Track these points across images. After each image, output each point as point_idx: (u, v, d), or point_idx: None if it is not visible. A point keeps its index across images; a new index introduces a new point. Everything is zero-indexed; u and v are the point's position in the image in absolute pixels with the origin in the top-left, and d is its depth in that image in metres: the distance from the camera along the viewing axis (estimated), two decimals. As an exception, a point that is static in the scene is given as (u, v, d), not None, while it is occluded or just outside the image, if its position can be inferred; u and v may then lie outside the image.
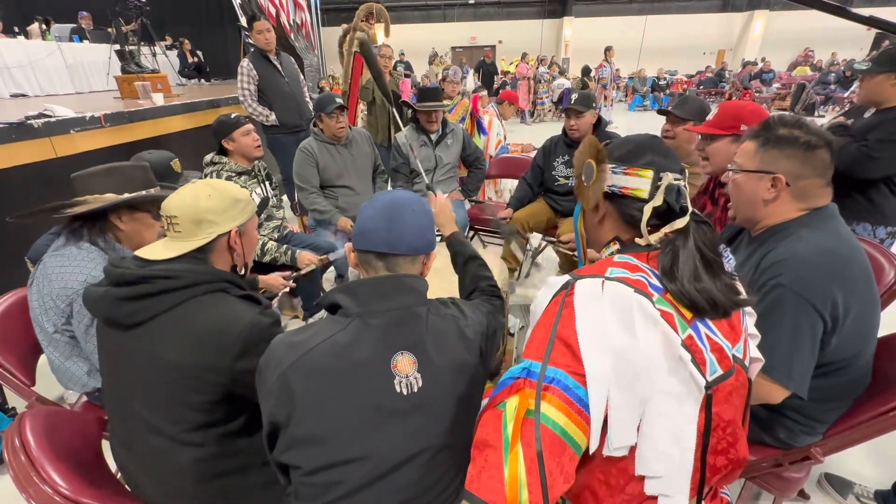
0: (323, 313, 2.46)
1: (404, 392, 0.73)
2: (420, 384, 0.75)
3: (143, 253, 0.96)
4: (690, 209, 0.75)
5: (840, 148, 1.69)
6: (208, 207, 0.97)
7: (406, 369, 0.75)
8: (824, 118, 8.94)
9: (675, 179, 0.74)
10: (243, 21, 5.18)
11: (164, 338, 0.89)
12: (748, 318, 0.78)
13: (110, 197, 1.27)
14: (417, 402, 0.74)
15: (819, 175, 1.00)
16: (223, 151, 2.09)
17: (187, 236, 0.97)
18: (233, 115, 2.05)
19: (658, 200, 0.73)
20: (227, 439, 0.94)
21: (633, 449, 0.64)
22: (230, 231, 1.02)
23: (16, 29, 7.18)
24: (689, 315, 0.67)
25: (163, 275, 0.90)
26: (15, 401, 1.86)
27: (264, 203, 2.21)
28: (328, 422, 0.72)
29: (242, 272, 1.11)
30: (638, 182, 0.75)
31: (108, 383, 1.00)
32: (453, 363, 0.78)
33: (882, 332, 1.14)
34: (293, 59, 3.67)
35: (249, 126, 2.06)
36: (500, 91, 7.02)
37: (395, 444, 0.73)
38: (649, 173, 0.74)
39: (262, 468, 0.98)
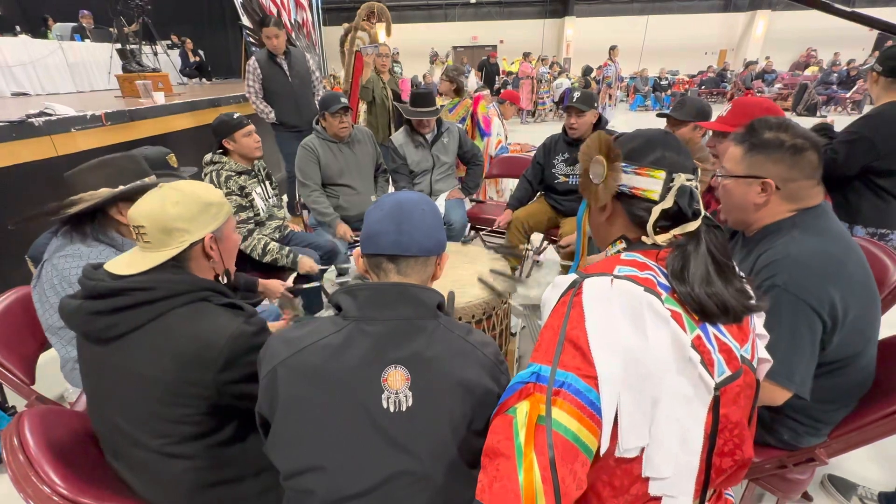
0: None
1: (391, 409, 0.70)
2: (410, 403, 0.70)
3: (111, 267, 0.89)
4: (703, 213, 0.73)
5: None
6: (176, 215, 0.90)
7: (396, 384, 0.70)
8: (826, 119, 8.90)
9: (688, 180, 0.72)
10: (245, 21, 5.20)
11: (144, 353, 0.85)
12: (757, 319, 0.77)
13: (105, 192, 1.25)
14: (403, 422, 0.70)
15: (808, 177, 0.99)
16: (223, 149, 2.07)
17: (157, 246, 0.90)
18: (235, 115, 2.01)
19: (668, 203, 0.71)
20: (218, 449, 0.92)
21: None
22: (204, 238, 0.96)
23: (17, 27, 7.18)
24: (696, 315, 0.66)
25: (138, 286, 0.85)
26: (14, 399, 1.85)
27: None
28: (305, 424, 0.70)
29: (225, 280, 1.05)
30: (649, 183, 0.73)
31: (89, 396, 0.96)
32: (455, 385, 0.73)
33: (887, 333, 1.13)
34: (307, 57, 3.68)
35: (251, 127, 2.03)
36: (502, 91, 7.01)
37: (371, 462, 0.69)
38: (661, 174, 0.72)
39: (256, 477, 0.96)
